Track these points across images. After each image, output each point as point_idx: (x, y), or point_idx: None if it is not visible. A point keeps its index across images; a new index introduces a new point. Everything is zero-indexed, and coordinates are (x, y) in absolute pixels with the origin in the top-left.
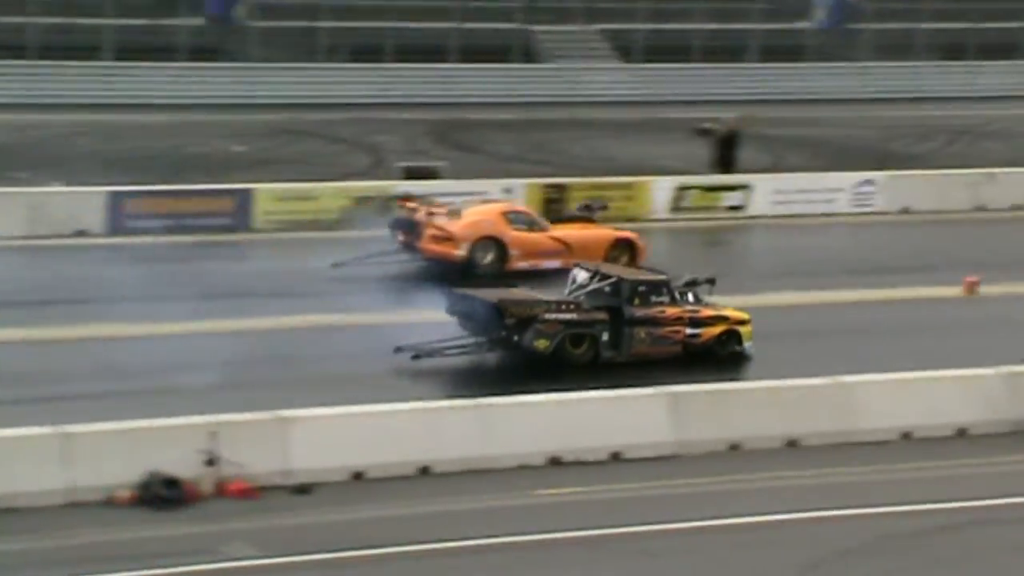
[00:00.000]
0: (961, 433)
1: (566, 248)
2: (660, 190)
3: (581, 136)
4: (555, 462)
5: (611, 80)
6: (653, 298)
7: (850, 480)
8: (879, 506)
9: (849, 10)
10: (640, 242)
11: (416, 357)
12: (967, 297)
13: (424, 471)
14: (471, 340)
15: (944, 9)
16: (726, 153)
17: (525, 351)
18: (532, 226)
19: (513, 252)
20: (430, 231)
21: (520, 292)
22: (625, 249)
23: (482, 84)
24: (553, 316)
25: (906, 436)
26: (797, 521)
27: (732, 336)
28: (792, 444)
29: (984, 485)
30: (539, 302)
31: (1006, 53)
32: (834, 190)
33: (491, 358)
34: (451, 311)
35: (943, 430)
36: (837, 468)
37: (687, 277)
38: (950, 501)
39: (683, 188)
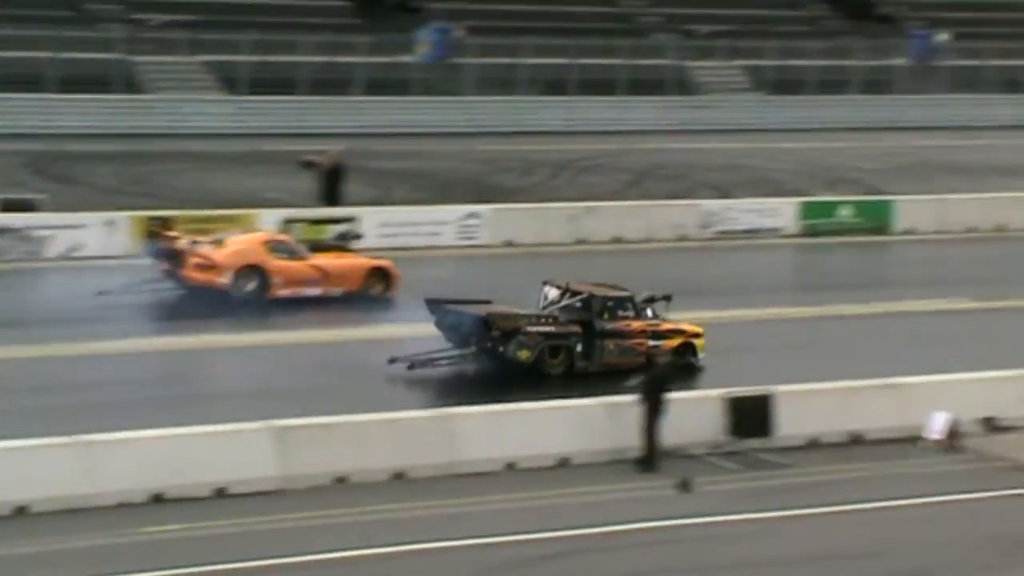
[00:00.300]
0: (563, 463)
1: (325, 276)
2: (266, 223)
3: (185, 168)
4: (158, 499)
5: (215, 112)
6: (620, 312)
7: (454, 512)
8: (482, 537)
9: (452, 45)
10: (395, 270)
11: (411, 367)
12: None
13: (20, 511)
14: (457, 351)
15: (544, 46)
16: (332, 186)
17: (508, 361)
18: (293, 255)
19: (275, 280)
20: (193, 260)
21: (501, 307)
22: (381, 277)
23: (82, 115)
24: (534, 329)
25: (510, 467)
26: (399, 554)
27: (688, 348)
28: (399, 476)
29: (584, 514)
30: (522, 316)
31: (605, 89)
32: (440, 223)
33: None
34: (438, 324)
35: (545, 460)
36: (442, 500)
37: (645, 294)
38: (551, 531)
39: (290, 221)
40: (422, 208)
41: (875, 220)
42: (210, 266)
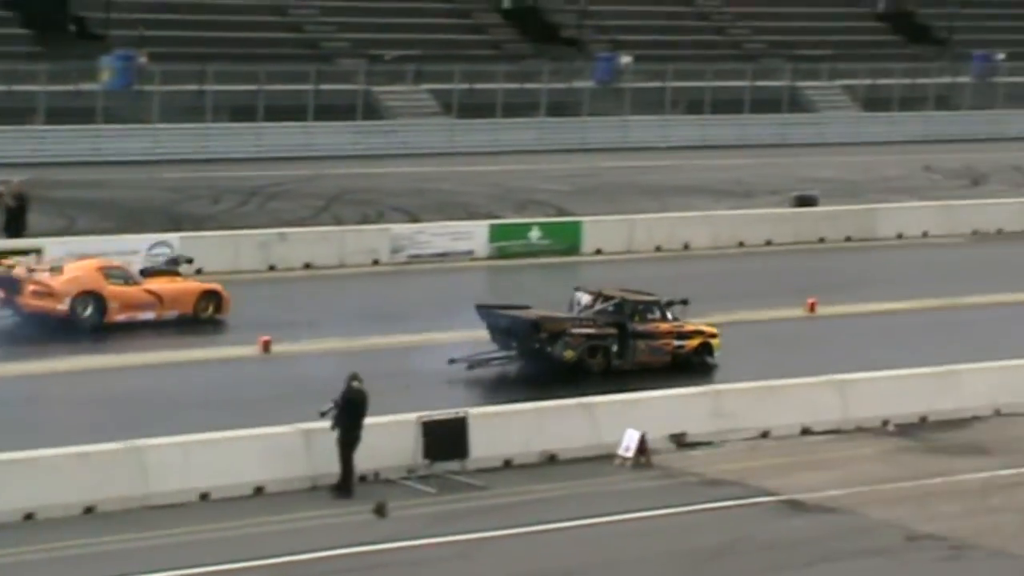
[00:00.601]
0: (259, 491)
1: (159, 300)
2: None
3: None
4: None
5: None
6: (648, 315)
7: (145, 545)
8: (173, 569)
9: (136, 72)
10: (225, 293)
11: (471, 367)
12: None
13: None
14: (504, 353)
15: (231, 72)
16: (15, 217)
17: (554, 360)
18: (127, 280)
19: (112, 305)
20: (31, 287)
21: (543, 311)
22: (212, 299)
23: None
24: (578, 331)
25: (204, 497)
26: None
27: (706, 347)
28: (89, 511)
29: (280, 542)
30: (567, 319)
31: (293, 115)
32: (129, 252)
33: None
34: (490, 328)
35: (240, 489)
36: (133, 533)
37: (665, 298)
38: (246, 560)
39: None
40: (109, 237)
41: (565, 241)
42: (48, 293)
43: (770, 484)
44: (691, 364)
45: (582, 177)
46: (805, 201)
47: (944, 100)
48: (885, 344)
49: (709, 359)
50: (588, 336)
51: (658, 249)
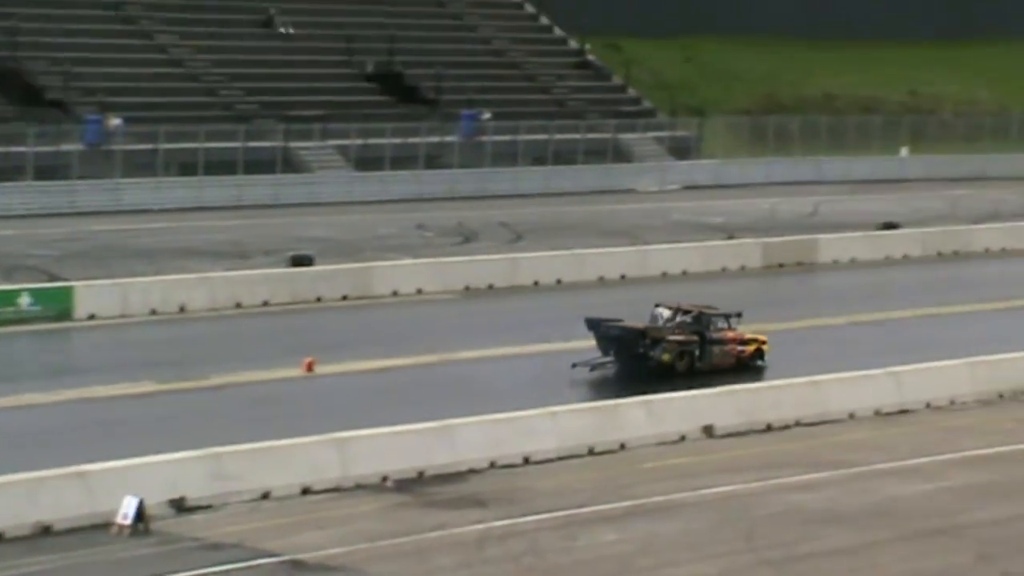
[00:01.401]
0: None
1: None
2: None
3: None
4: None
5: None
6: (719, 325)
7: None
8: None
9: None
10: None
11: (592, 369)
12: None
13: None
14: (610, 359)
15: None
16: None
17: (654, 362)
18: None
19: None
20: None
21: (637, 322)
22: None
23: None
24: (673, 338)
25: None
26: None
27: (759, 352)
28: None
29: None
30: (666, 328)
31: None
32: None
33: None
34: (600, 337)
35: None
36: None
37: (724, 311)
38: None
39: None
40: None
41: (56, 307)
42: None
43: (271, 545)
44: (748, 367)
45: (73, 241)
46: (301, 261)
47: (434, 159)
48: (383, 400)
49: (761, 362)
50: (680, 343)
51: (153, 312)
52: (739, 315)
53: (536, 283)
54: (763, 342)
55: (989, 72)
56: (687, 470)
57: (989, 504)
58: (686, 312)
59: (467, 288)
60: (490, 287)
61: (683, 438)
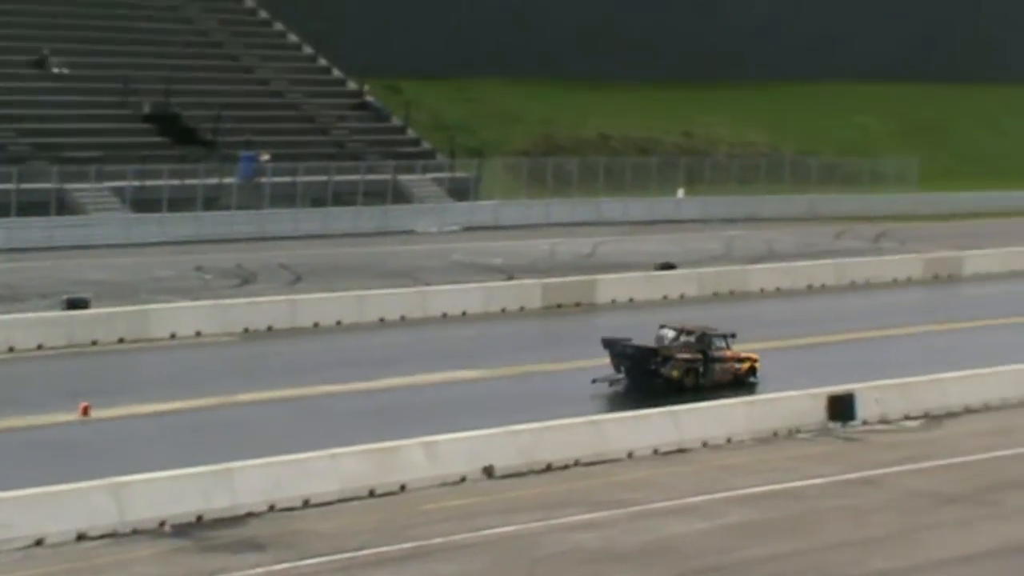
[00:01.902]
0: None
1: None
2: None
3: None
4: None
5: None
6: (718, 344)
7: None
8: None
9: None
10: None
11: (611, 384)
12: None
13: None
14: (622, 375)
15: None
16: None
17: (664, 377)
18: None
19: None
20: None
21: (649, 342)
22: None
23: None
24: (681, 356)
25: None
26: None
27: (752, 369)
28: None
29: None
30: (675, 347)
31: None
32: None
33: None
34: (615, 355)
35: None
36: None
37: (722, 332)
38: None
39: None
40: None
41: None
42: None
43: None
44: (743, 383)
45: None
46: (76, 304)
47: (212, 200)
48: (161, 444)
49: (753, 379)
50: (687, 360)
51: None
52: (734, 336)
53: (316, 325)
54: (755, 360)
55: (761, 114)
56: (467, 511)
57: (765, 541)
58: (689, 332)
59: (246, 330)
60: (270, 329)
61: (464, 479)
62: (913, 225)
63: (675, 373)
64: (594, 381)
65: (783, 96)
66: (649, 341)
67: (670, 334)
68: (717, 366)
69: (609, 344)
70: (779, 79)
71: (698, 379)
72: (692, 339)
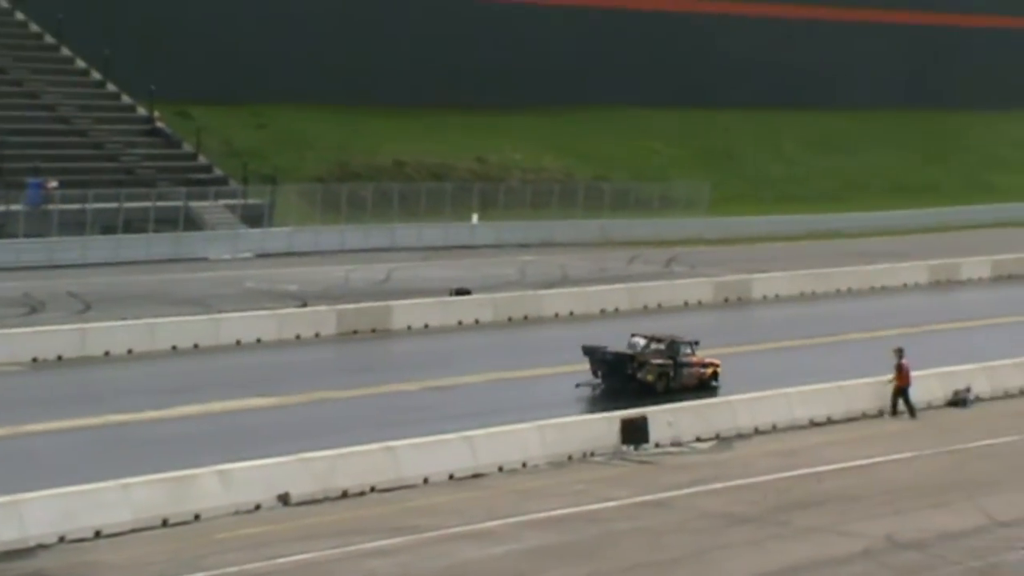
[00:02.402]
0: None
1: None
2: None
3: None
4: None
5: None
6: (686, 351)
7: None
8: None
9: None
10: None
11: (594, 389)
12: None
13: None
14: (599, 380)
15: None
16: None
17: (639, 381)
18: None
19: None
20: None
21: (621, 349)
22: None
23: None
24: (655, 361)
25: None
26: None
27: (715, 374)
28: None
29: None
30: (649, 353)
31: None
32: None
33: None
34: (594, 360)
35: None
36: None
37: (688, 339)
38: None
39: None
40: None
41: None
42: None
43: None
44: (707, 386)
45: None
46: None
47: (0, 228)
48: None
49: (715, 383)
50: (660, 365)
51: None
52: (697, 343)
53: (107, 353)
54: (718, 365)
55: (554, 140)
56: (262, 539)
57: (560, 565)
58: (659, 340)
59: (35, 359)
60: (59, 358)
61: (259, 507)
62: (703, 249)
63: (649, 377)
64: (577, 385)
65: (576, 122)
66: (632, 346)
67: (641, 342)
68: (685, 370)
69: (589, 351)
70: (572, 105)
71: (669, 383)
72: (663, 346)
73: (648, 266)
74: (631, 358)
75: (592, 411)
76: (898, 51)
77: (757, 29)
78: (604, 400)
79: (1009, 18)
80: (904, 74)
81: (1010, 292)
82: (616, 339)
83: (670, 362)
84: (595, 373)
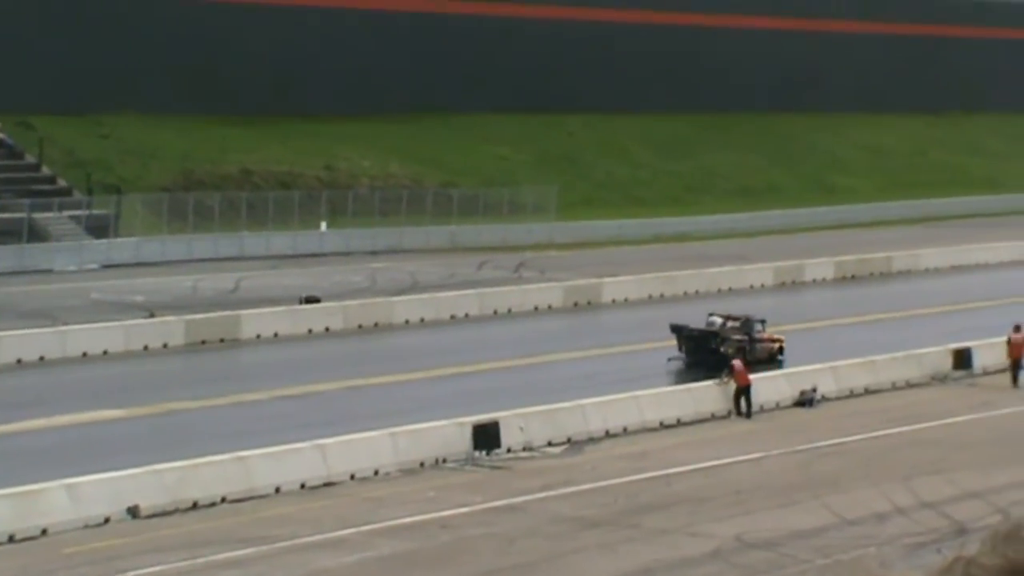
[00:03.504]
0: None
1: None
2: None
3: None
4: None
5: None
6: (757, 328)
7: None
8: None
9: None
10: None
11: (686, 363)
12: None
13: None
14: (684, 355)
15: None
16: None
17: (720, 356)
18: None
19: None
20: None
21: (704, 327)
22: None
23: None
24: (735, 337)
25: None
26: None
27: (781, 349)
28: None
29: None
30: (730, 330)
31: None
32: None
33: None
34: (682, 337)
35: None
36: None
37: (759, 318)
38: None
39: None
40: None
41: None
42: None
43: None
44: (774, 359)
45: None
46: None
47: None
48: None
49: (780, 357)
50: (738, 341)
51: None
52: (765, 322)
53: None
54: (782, 341)
55: (402, 147)
56: (112, 553)
57: (414, 571)
58: (735, 319)
59: None
60: None
61: (108, 520)
62: (553, 254)
63: (730, 351)
64: (669, 360)
65: (423, 129)
66: (710, 324)
67: (719, 320)
68: (758, 345)
69: (676, 329)
70: (419, 112)
71: (745, 356)
72: (738, 324)
73: (498, 271)
74: (714, 334)
75: (445, 417)
76: (740, 54)
77: (599, 33)
78: (689, 372)
79: (850, 22)
80: (747, 78)
81: (853, 292)
82: (470, 345)
83: (746, 338)
84: (680, 348)
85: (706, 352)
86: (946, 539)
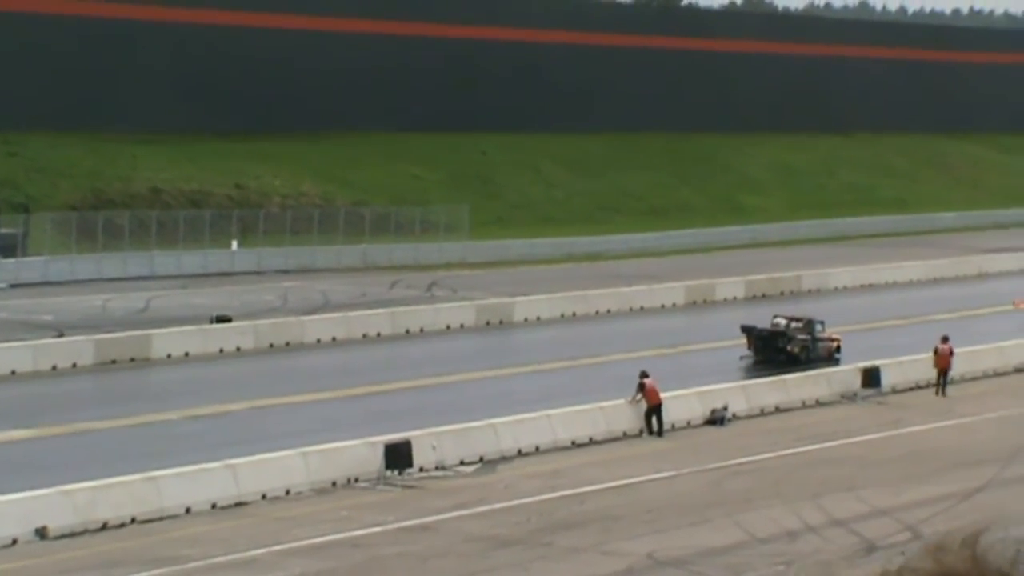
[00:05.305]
0: None
1: None
2: None
3: None
4: None
5: None
6: (819, 327)
7: None
8: None
9: None
10: None
11: (756, 361)
12: None
13: None
14: (754, 354)
15: None
16: None
17: (788, 354)
18: None
19: None
20: None
21: (772, 327)
22: None
23: None
24: (800, 337)
25: None
26: None
27: (839, 348)
28: None
29: None
30: (796, 330)
31: None
32: None
33: None
34: (752, 337)
35: None
36: None
37: (819, 320)
38: None
39: None
40: None
41: None
42: None
43: None
44: (833, 357)
45: None
46: None
47: None
48: None
49: (838, 355)
50: (803, 340)
51: None
52: (823, 322)
53: None
54: (840, 340)
55: (313, 166)
56: (18, 575)
57: None
58: (798, 320)
59: None
60: None
61: (15, 541)
62: (465, 273)
63: (796, 350)
64: (741, 358)
65: (334, 148)
66: (775, 325)
67: (783, 321)
68: (820, 344)
69: (747, 330)
70: (329, 130)
71: (808, 354)
72: (801, 324)
73: (410, 290)
74: (782, 334)
75: (357, 436)
76: (651, 74)
77: (513, 53)
78: (757, 369)
79: (758, 42)
80: (658, 97)
81: (762, 310)
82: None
83: (809, 337)
84: (750, 347)
85: (774, 350)
86: (856, 556)
